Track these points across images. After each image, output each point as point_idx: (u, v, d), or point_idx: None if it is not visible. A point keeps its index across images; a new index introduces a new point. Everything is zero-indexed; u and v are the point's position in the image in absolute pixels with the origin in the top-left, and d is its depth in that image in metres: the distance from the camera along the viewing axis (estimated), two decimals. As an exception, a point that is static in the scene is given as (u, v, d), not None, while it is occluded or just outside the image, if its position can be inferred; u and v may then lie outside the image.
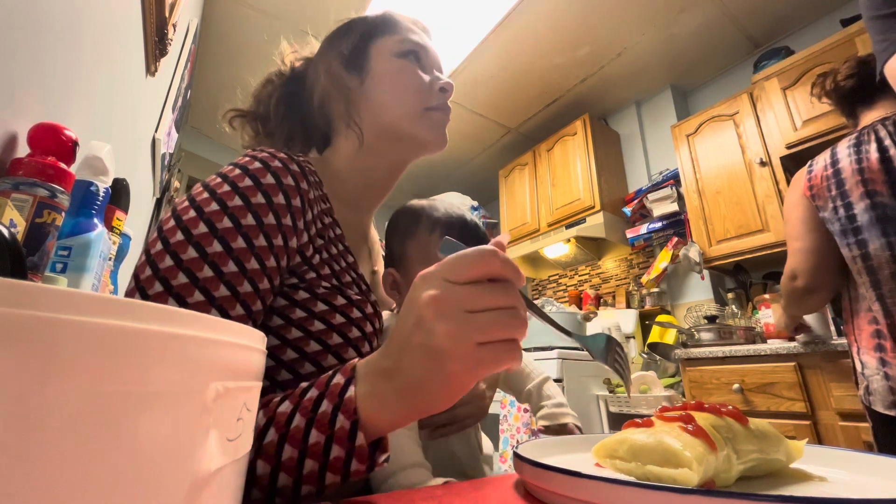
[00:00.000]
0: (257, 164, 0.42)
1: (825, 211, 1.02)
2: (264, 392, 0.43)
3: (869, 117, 1.02)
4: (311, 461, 0.30)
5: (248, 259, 0.38)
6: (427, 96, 0.53)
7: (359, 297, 0.48)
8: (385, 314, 0.55)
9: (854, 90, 1.05)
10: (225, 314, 0.37)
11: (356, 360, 0.34)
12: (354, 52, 0.55)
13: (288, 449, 0.31)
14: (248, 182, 0.41)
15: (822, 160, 1.05)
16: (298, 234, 0.43)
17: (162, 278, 0.36)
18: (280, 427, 0.31)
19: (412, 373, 0.29)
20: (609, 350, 0.35)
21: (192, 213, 0.39)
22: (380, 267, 0.61)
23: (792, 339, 1.63)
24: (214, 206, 0.39)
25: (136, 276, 0.38)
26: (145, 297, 0.36)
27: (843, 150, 1.00)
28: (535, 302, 2.33)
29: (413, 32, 0.57)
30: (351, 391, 0.31)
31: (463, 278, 0.28)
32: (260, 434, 0.32)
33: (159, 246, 0.38)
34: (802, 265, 1.06)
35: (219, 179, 0.41)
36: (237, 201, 0.39)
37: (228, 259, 0.37)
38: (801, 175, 1.11)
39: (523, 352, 0.68)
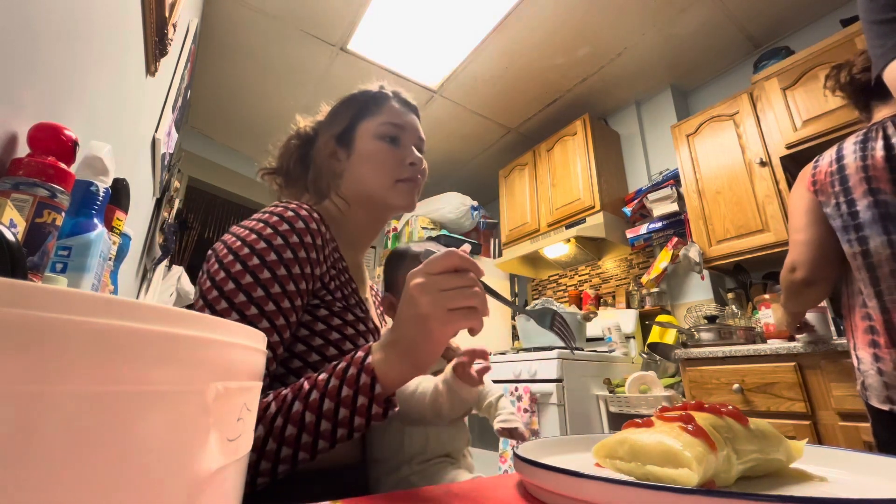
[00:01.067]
0: (290, 213, 0.56)
1: (828, 206, 1.02)
2: None
3: (882, 112, 1.02)
4: (343, 409, 0.44)
5: (287, 283, 0.52)
6: (398, 171, 0.67)
7: (362, 315, 0.62)
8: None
9: (869, 83, 1.04)
10: (272, 323, 0.50)
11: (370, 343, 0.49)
12: (345, 131, 0.70)
13: (327, 402, 0.44)
14: (285, 226, 0.55)
15: (829, 156, 1.05)
16: (320, 265, 0.57)
17: (226, 298, 0.50)
18: (320, 388, 0.45)
19: (408, 336, 0.43)
20: (552, 320, 0.48)
21: (246, 250, 0.52)
22: (369, 297, 0.75)
23: (792, 338, 1.63)
24: (263, 245, 0.53)
25: (203, 295, 0.51)
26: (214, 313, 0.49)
27: (850, 146, 1.00)
28: (535, 302, 2.34)
29: (395, 113, 0.69)
30: (370, 359, 0.45)
31: (436, 270, 0.42)
32: (306, 394, 0.45)
33: (223, 273, 0.51)
34: (802, 257, 1.08)
35: (261, 224, 0.55)
36: (279, 240, 0.53)
37: (275, 283, 0.51)
38: (807, 170, 1.11)
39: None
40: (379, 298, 0.83)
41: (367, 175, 0.67)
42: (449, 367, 0.57)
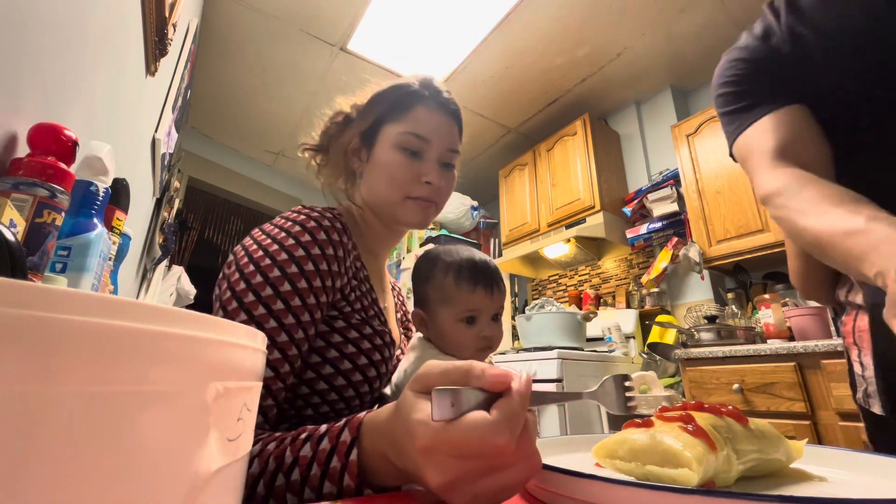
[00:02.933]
0: (313, 224, 0.54)
1: None
2: (306, 399, 0.52)
3: None
4: None
5: (308, 295, 0.50)
6: (410, 188, 0.61)
7: (381, 328, 0.59)
8: (414, 338, 0.66)
9: None
10: (291, 336, 0.48)
11: (363, 415, 0.37)
12: (370, 130, 0.65)
13: (307, 491, 0.36)
14: (307, 237, 0.53)
15: None
16: (340, 277, 0.55)
17: (246, 310, 0.48)
18: (302, 470, 0.37)
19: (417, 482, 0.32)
20: (617, 392, 0.33)
21: (267, 261, 0.50)
22: (389, 303, 0.71)
23: (792, 338, 1.63)
24: (284, 256, 0.51)
25: (223, 307, 0.49)
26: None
27: None
28: (535, 302, 2.33)
29: (421, 121, 0.62)
30: (354, 455, 0.35)
31: (469, 453, 0.27)
32: (288, 469, 0.37)
33: (243, 285, 0.49)
34: (795, 281, 1.10)
35: (283, 234, 0.53)
36: (301, 252, 0.51)
37: (295, 295, 0.49)
38: None
39: (493, 357, 0.71)
40: (401, 297, 0.80)
41: (379, 185, 0.63)
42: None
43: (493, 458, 0.27)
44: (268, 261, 0.50)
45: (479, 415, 0.27)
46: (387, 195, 0.62)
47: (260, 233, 0.54)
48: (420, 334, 0.66)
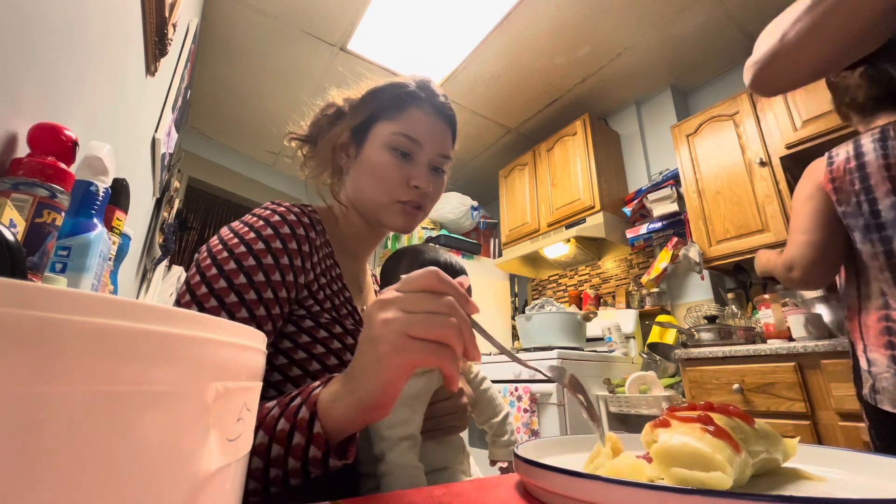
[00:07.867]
0: (277, 218, 0.53)
1: (847, 205, 0.99)
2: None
3: (885, 118, 1.00)
4: (277, 446, 0.37)
5: (265, 289, 0.49)
6: (399, 192, 0.60)
7: (353, 328, 0.57)
8: None
9: None
10: None
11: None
12: (361, 127, 0.63)
13: (261, 434, 0.38)
14: (269, 231, 0.52)
15: (845, 153, 1.02)
16: (305, 273, 0.53)
17: (197, 302, 0.46)
18: (262, 416, 0.39)
19: (358, 363, 0.36)
20: (569, 379, 0.38)
21: (224, 254, 0.49)
22: (368, 304, 0.70)
23: (791, 339, 1.63)
24: (242, 249, 0.50)
25: (177, 301, 0.48)
26: None
27: (868, 143, 0.98)
28: (535, 302, 2.33)
29: (415, 123, 0.60)
30: (318, 390, 0.38)
31: (410, 287, 0.35)
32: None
33: (197, 278, 0.48)
34: (802, 259, 1.06)
35: (245, 228, 0.52)
36: (260, 245, 0.50)
37: (250, 289, 0.48)
38: (818, 166, 1.07)
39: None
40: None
41: (365, 185, 0.61)
42: None
43: (418, 298, 0.34)
44: (225, 254, 0.49)
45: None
46: (373, 196, 0.60)
47: (225, 229, 0.53)
48: None
